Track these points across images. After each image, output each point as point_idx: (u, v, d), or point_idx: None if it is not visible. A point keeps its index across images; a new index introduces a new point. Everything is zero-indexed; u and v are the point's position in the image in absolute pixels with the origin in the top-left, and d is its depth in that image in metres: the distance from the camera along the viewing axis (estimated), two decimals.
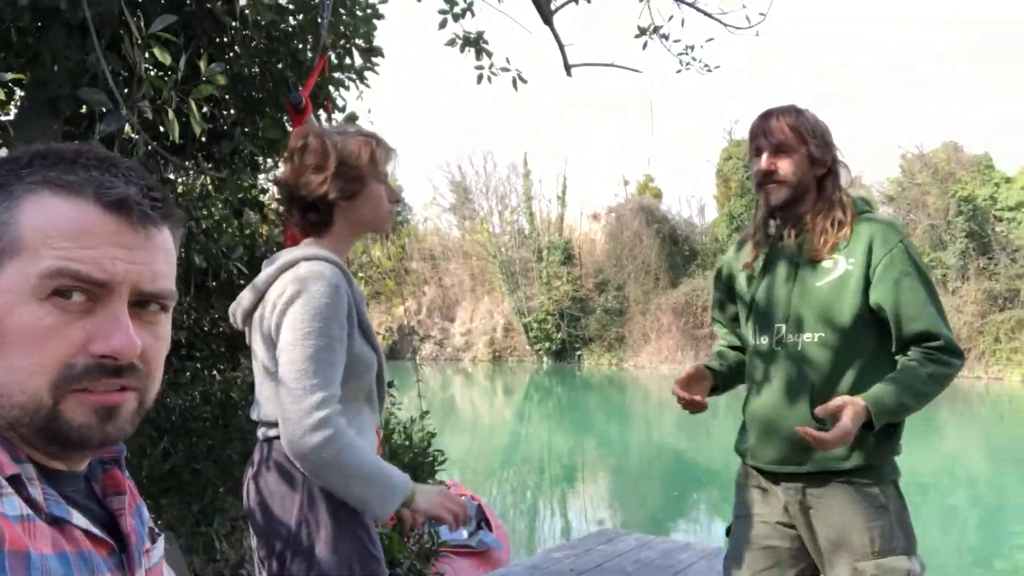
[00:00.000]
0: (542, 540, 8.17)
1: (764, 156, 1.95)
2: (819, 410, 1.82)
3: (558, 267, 31.38)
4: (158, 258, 0.69)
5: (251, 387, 2.96)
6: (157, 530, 0.83)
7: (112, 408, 0.66)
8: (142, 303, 0.68)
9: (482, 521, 5.71)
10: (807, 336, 1.94)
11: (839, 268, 1.93)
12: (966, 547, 8.19)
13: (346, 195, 1.67)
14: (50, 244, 0.64)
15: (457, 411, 19.63)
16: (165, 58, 2.00)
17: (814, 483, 1.94)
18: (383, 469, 1.60)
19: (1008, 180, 25.87)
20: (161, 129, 2.44)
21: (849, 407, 1.79)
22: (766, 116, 1.99)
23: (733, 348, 2.28)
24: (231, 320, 1.78)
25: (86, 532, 0.67)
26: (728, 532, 2.15)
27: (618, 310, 29.98)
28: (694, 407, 2.08)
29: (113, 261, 0.65)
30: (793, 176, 1.94)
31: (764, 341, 2.03)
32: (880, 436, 1.91)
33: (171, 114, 1.95)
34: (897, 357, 1.93)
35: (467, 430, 16.36)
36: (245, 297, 1.72)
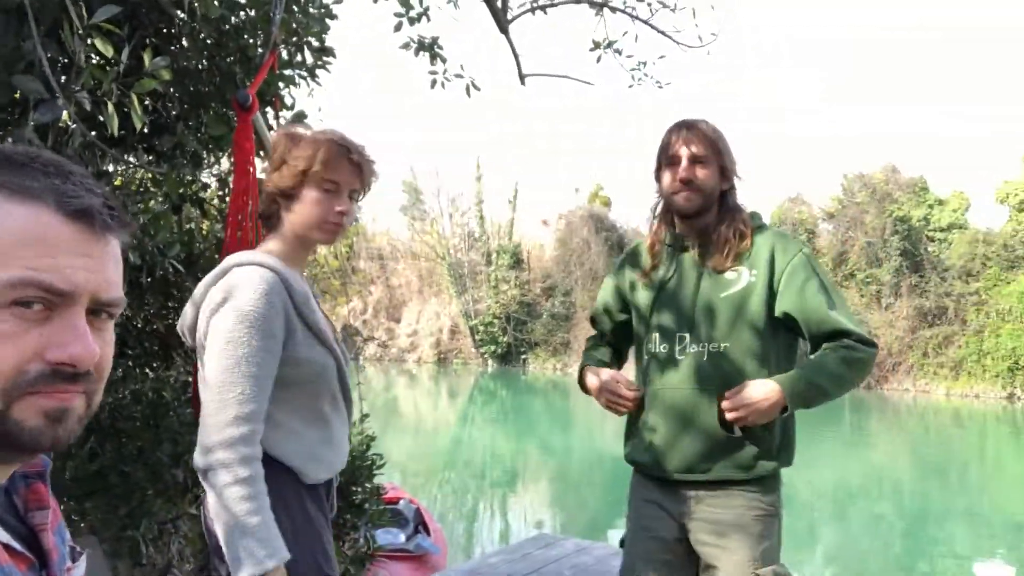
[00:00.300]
0: (480, 544, 8.18)
1: (684, 164, 1.98)
2: (728, 394, 1.90)
3: (506, 271, 31.44)
4: (111, 267, 0.70)
5: (184, 387, 2.90)
6: (79, 548, 0.81)
7: (63, 411, 0.66)
8: (95, 311, 0.69)
9: (420, 525, 5.68)
10: (712, 346, 1.97)
11: (743, 280, 1.97)
12: (891, 553, 8.51)
13: (282, 194, 1.65)
14: (12, 253, 0.63)
15: (400, 413, 19.49)
16: (107, 49, 1.94)
17: (714, 491, 1.98)
18: (267, 530, 1.46)
19: (941, 202, 27.02)
20: (100, 120, 2.37)
21: (752, 383, 1.89)
22: (686, 126, 2.01)
23: (607, 346, 2.30)
24: (182, 338, 1.72)
25: (6, 546, 0.65)
26: (622, 544, 2.15)
27: (564, 315, 30.21)
28: (637, 404, 2.09)
29: (76, 271, 0.65)
30: (708, 186, 1.99)
31: (664, 349, 2.04)
32: (779, 447, 2.00)
33: (110, 106, 1.89)
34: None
35: (409, 432, 16.26)
36: (187, 312, 1.68)
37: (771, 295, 1.96)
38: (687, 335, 2.00)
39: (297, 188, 1.64)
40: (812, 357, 1.95)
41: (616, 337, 2.29)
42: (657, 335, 2.06)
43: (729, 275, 1.99)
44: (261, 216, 1.73)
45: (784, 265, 1.96)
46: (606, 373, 2.13)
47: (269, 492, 1.51)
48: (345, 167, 1.65)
